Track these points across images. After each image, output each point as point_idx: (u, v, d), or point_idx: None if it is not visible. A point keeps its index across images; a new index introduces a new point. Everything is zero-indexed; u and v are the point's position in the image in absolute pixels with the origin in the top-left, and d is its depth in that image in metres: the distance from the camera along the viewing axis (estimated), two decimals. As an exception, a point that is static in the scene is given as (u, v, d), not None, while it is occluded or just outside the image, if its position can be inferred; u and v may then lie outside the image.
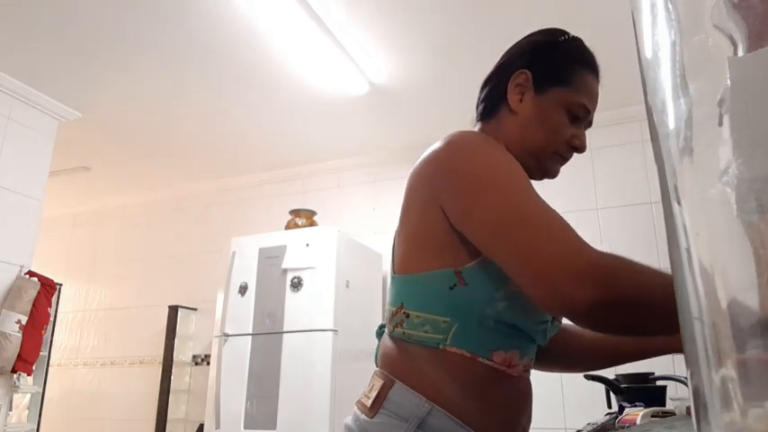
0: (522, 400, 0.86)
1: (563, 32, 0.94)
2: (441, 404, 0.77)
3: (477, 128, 0.95)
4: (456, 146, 0.82)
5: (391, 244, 0.93)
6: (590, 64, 0.91)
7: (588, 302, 0.65)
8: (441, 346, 0.79)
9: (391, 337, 0.86)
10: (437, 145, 0.84)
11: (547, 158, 0.90)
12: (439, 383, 0.79)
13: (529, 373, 0.88)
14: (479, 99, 0.96)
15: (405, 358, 0.82)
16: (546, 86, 0.89)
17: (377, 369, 0.88)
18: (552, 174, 0.92)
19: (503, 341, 0.81)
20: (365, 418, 0.81)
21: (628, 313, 0.67)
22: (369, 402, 0.82)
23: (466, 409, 0.78)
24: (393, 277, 0.88)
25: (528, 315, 0.83)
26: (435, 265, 0.81)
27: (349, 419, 0.86)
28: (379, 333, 0.95)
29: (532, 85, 0.89)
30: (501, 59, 0.96)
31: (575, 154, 0.92)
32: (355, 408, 0.86)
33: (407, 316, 0.82)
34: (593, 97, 0.91)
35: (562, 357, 1.02)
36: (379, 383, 0.83)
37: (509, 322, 0.80)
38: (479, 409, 0.79)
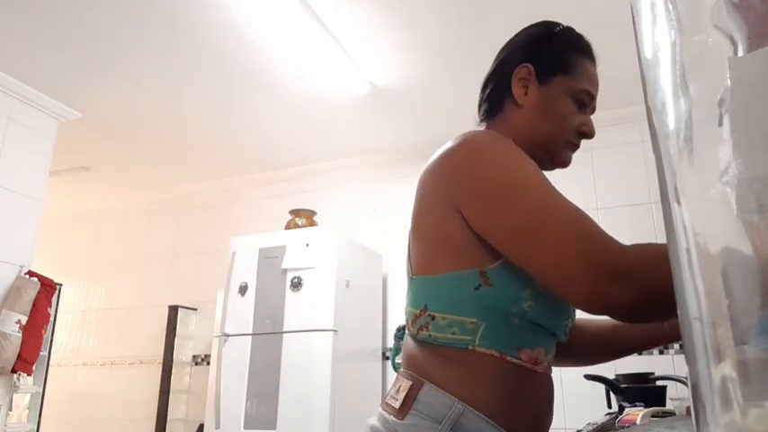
0: (548, 397, 0.86)
1: (556, 23, 0.95)
2: (473, 405, 0.76)
3: (482, 127, 0.95)
4: (470, 148, 0.81)
5: (406, 245, 0.91)
6: (588, 50, 0.93)
7: (628, 300, 0.65)
8: (470, 347, 0.78)
9: (416, 339, 0.84)
10: (450, 145, 0.82)
11: (559, 148, 0.90)
12: (469, 384, 0.78)
13: (551, 369, 0.87)
14: (482, 99, 0.96)
15: (432, 360, 0.81)
16: (549, 77, 0.89)
17: (402, 370, 0.86)
18: (565, 163, 0.93)
19: (529, 339, 0.81)
20: (394, 419, 0.79)
21: (665, 302, 0.68)
22: (397, 404, 0.80)
23: (497, 408, 0.77)
24: (412, 279, 0.86)
25: (553, 312, 0.82)
26: (458, 266, 0.79)
27: (374, 421, 0.84)
28: (399, 335, 0.94)
29: (535, 78, 0.90)
30: (499, 56, 0.97)
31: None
32: (381, 409, 0.84)
33: (433, 318, 0.81)
34: (595, 82, 0.92)
35: (571, 351, 1.02)
36: (406, 384, 0.81)
37: (534, 321, 0.80)
38: (510, 408, 0.79)
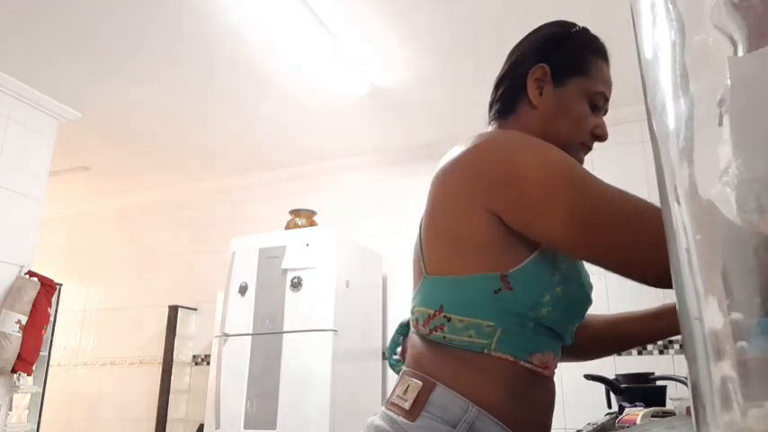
0: (551, 400, 0.86)
1: (572, 24, 0.94)
2: (486, 408, 0.75)
3: (492, 127, 0.94)
4: (503, 144, 0.79)
5: (417, 243, 0.89)
6: (603, 52, 0.92)
7: None
8: (485, 351, 0.77)
9: (427, 339, 0.82)
10: (475, 143, 0.80)
11: (572, 150, 0.88)
12: (484, 388, 0.77)
13: (554, 373, 0.87)
14: (494, 98, 0.95)
15: (445, 361, 0.79)
16: (564, 78, 0.88)
17: (407, 369, 0.83)
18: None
19: (541, 343, 0.80)
20: (404, 420, 0.76)
21: None
22: (407, 405, 0.77)
23: (510, 412, 0.77)
24: (426, 278, 0.84)
25: (567, 318, 0.82)
26: (479, 268, 0.77)
27: (379, 421, 0.80)
28: (402, 332, 0.92)
29: (551, 79, 0.89)
30: (513, 56, 0.95)
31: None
32: (385, 409, 0.81)
33: (449, 320, 0.78)
34: (609, 84, 0.92)
35: (571, 348, 1.00)
36: (416, 385, 0.78)
37: (548, 325, 0.79)
38: (521, 411, 0.78)
